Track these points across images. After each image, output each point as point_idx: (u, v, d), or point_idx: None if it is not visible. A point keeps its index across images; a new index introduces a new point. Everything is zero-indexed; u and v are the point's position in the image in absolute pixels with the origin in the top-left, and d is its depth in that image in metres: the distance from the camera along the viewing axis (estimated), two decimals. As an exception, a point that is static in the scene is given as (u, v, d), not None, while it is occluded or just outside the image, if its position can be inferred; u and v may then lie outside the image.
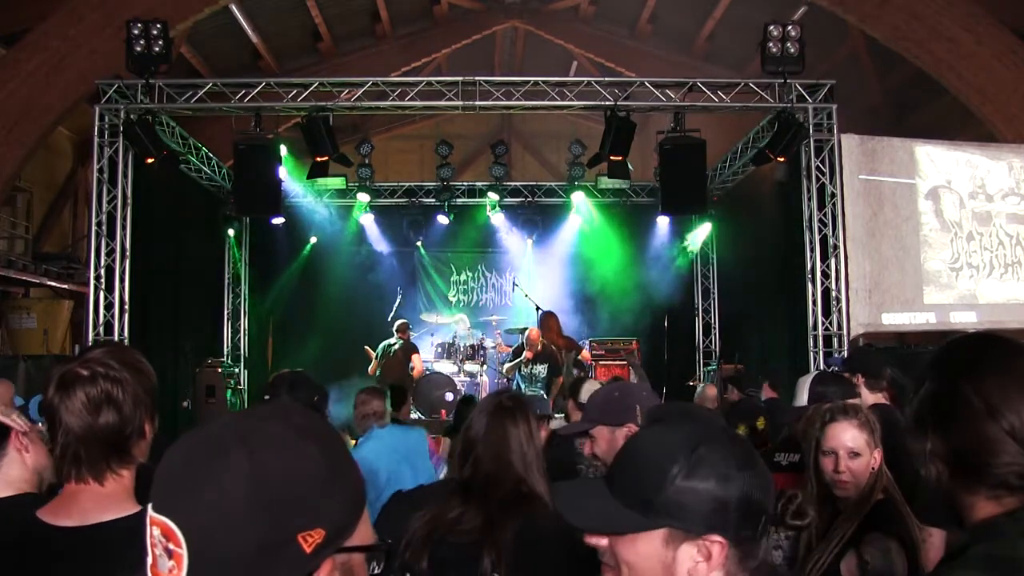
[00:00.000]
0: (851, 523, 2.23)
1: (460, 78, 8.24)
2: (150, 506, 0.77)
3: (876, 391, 3.56)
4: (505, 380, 9.17)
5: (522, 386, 8.62)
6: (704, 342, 11.79)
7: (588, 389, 4.92)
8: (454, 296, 12.31)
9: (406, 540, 1.91)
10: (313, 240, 11.45)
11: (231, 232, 11.23)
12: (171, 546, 0.74)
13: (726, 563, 1.03)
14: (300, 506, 0.75)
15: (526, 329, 9.06)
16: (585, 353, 9.61)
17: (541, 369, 8.60)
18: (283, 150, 8.94)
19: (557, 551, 1.90)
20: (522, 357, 8.67)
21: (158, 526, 0.75)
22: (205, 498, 0.74)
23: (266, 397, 2.61)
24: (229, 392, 9.90)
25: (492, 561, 1.87)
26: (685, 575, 1.03)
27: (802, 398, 2.74)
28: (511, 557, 1.87)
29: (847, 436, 2.32)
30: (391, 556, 0.86)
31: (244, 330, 11.57)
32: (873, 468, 2.32)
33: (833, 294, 8.02)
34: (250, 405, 10.12)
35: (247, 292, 11.59)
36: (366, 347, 9.69)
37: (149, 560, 0.76)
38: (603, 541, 1.07)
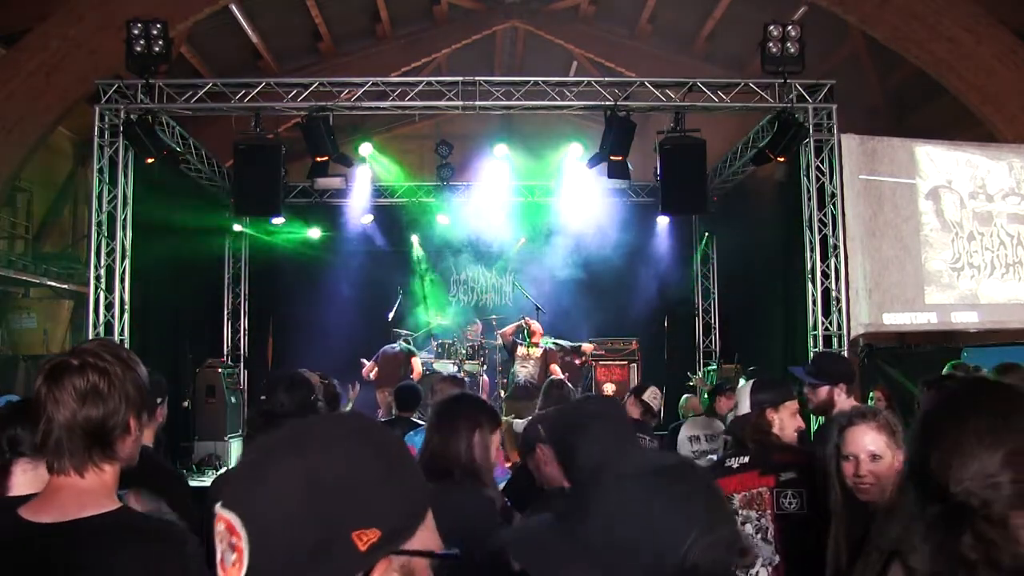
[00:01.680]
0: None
1: (460, 78, 8.24)
2: (217, 505, 0.81)
3: (851, 395, 3.62)
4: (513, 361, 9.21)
5: (516, 364, 8.76)
6: (704, 342, 11.78)
7: (652, 392, 5.02)
8: (454, 296, 12.31)
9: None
10: (316, 236, 11.44)
11: (231, 232, 11.22)
12: (233, 540, 0.78)
13: None
14: (354, 505, 0.78)
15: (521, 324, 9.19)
16: (587, 346, 9.66)
17: (536, 351, 8.77)
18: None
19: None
20: (519, 339, 8.84)
21: (223, 521, 0.80)
22: (264, 495, 0.78)
23: (262, 397, 2.61)
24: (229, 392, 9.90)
25: None
26: None
27: (744, 405, 2.81)
28: None
29: (867, 439, 2.31)
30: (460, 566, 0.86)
31: (244, 330, 11.57)
32: (897, 469, 2.31)
33: (833, 294, 8.02)
34: (250, 405, 10.13)
35: (247, 292, 11.58)
36: (362, 360, 9.60)
37: (217, 556, 0.80)
38: None
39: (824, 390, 3.47)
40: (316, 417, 0.89)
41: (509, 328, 9.22)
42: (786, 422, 2.78)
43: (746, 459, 2.67)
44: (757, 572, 2.44)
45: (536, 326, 9.07)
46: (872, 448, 2.31)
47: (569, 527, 0.93)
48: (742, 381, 3.22)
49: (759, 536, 2.50)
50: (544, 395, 4.49)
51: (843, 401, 3.56)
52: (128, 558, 1.37)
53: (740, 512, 2.59)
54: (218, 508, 0.81)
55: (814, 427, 5.05)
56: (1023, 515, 1.06)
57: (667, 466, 0.99)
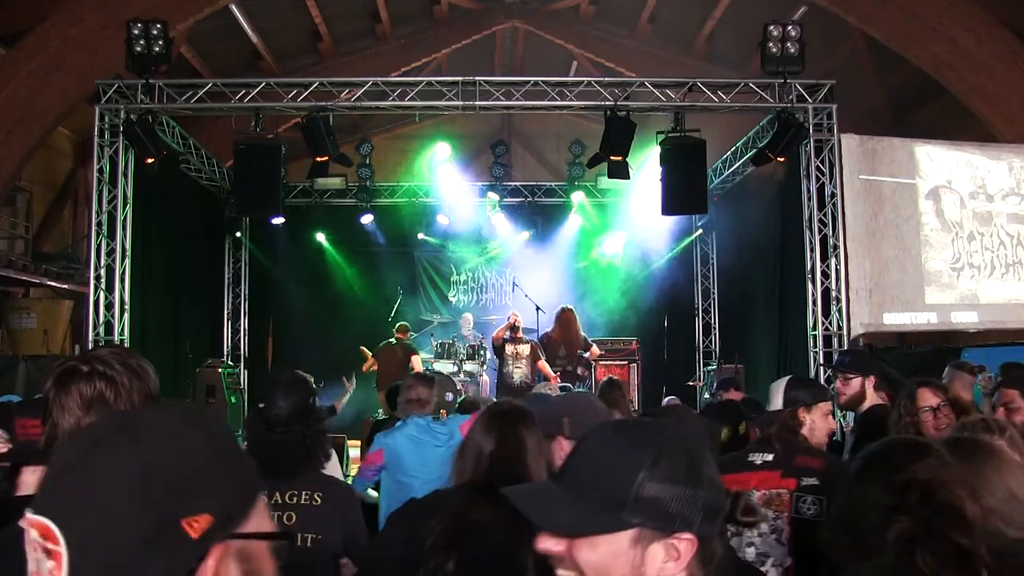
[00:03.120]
0: None
1: (460, 78, 8.24)
2: (27, 511, 0.75)
3: (879, 390, 3.71)
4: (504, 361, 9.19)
5: (510, 366, 8.75)
6: (704, 342, 11.79)
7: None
8: (454, 296, 12.31)
9: (431, 542, 1.90)
10: (320, 238, 11.46)
11: (231, 232, 11.23)
12: (49, 545, 0.72)
13: (691, 564, 1.02)
14: (184, 492, 0.74)
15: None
16: (594, 350, 9.64)
17: (524, 348, 8.72)
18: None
19: None
20: (507, 335, 8.83)
21: (36, 527, 0.73)
22: (82, 490, 0.73)
23: (260, 405, 2.58)
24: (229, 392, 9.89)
25: (531, 560, 1.87)
26: (654, 575, 1.01)
27: (776, 402, 2.78)
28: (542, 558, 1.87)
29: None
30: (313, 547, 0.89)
31: (244, 330, 11.57)
32: None
33: (833, 294, 8.02)
34: (250, 405, 10.12)
35: (247, 292, 11.59)
36: (362, 347, 9.67)
37: (31, 567, 0.74)
38: (559, 547, 1.04)
39: (857, 382, 3.60)
40: (147, 408, 0.85)
41: (498, 330, 9.19)
42: (818, 423, 2.76)
43: (770, 457, 2.62)
44: (768, 572, 2.42)
45: (519, 321, 9.08)
46: None
47: (558, 476, 1.12)
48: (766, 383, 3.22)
49: (773, 536, 2.47)
50: (601, 394, 4.54)
51: (873, 395, 3.59)
52: None
53: (759, 510, 2.55)
54: (29, 514, 0.74)
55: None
56: None
57: (629, 423, 1.21)
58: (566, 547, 1.03)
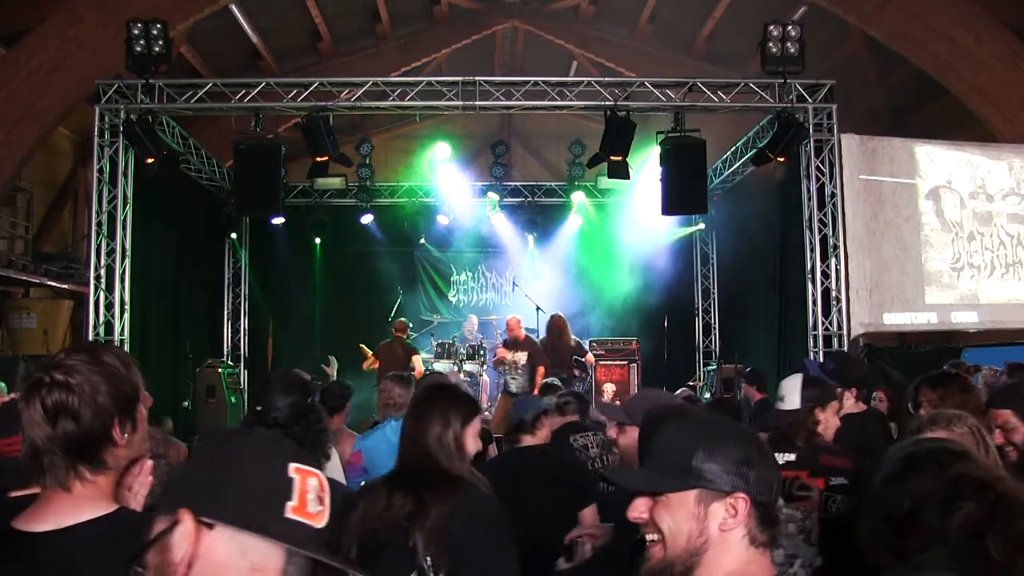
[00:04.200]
0: None
1: (460, 78, 8.24)
2: (308, 467, 1.01)
3: (859, 399, 3.69)
4: (501, 374, 9.17)
5: (507, 375, 8.70)
6: (704, 342, 11.79)
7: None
8: (454, 296, 12.31)
9: (346, 535, 2.05)
10: (320, 238, 11.46)
11: (231, 232, 11.22)
12: (322, 495, 1.00)
13: (749, 522, 1.25)
14: None
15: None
16: (589, 357, 9.61)
17: (521, 356, 8.66)
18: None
19: (487, 530, 2.08)
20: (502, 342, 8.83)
21: (315, 478, 1.01)
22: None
23: (258, 408, 2.56)
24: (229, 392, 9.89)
25: (423, 543, 2.01)
26: (716, 529, 1.24)
27: (793, 400, 2.75)
28: (441, 537, 2.02)
29: None
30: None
31: (244, 330, 11.57)
32: None
33: (833, 294, 8.02)
34: (250, 405, 10.11)
35: (247, 292, 11.59)
36: (361, 345, 9.68)
37: (294, 503, 0.97)
38: (645, 514, 1.29)
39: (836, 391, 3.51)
40: None
41: (500, 350, 9.11)
42: (829, 421, 2.77)
43: (792, 457, 2.60)
44: (796, 572, 2.40)
45: (513, 320, 9.05)
46: None
47: (641, 460, 1.44)
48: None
49: (801, 537, 2.44)
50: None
51: (850, 405, 3.56)
52: (127, 555, 1.36)
53: (784, 510, 2.50)
54: (308, 468, 1.00)
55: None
56: None
57: (687, 414, 1.48)
58: (649, 513, 1.29)
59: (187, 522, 0.95)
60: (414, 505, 2.09)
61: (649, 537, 1.29)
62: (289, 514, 0.97)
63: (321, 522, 0.99)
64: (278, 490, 0.98)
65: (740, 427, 1.35)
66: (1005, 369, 5.48)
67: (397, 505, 2.11)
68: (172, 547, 0.96)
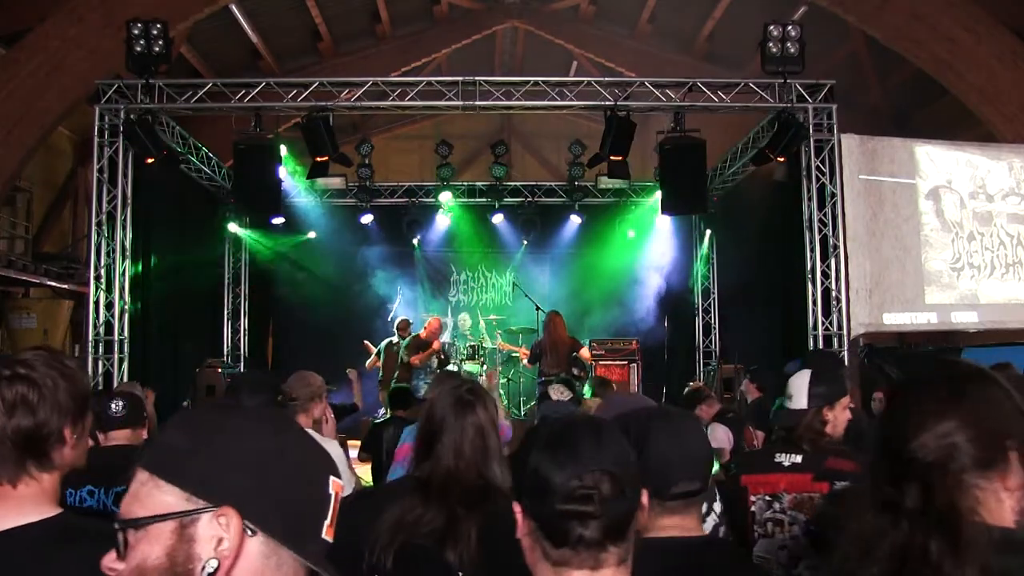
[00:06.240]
0: None
1: (460, 78, 8.24)
2: (336, 480, 0.99)
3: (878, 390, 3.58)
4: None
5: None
6: (704, 342, 11.78)
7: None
8: (454, 296, 12.31)
9: (372, 542, 1.93)
10: (311, 235, 11.41)
11: (231, 232, 11.22)
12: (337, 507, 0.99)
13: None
14: None
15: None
16: (584, 352, 9.59)
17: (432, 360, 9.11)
18: (283, 150, 8.94)
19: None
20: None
21: (340, 491, 1.00)
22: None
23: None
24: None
25: (458, 559, 1.90)
26: None
27: (800, 400, 2.68)
28: (475, 553, 1.90)
29: None
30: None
31: (244, 330, 11.57)
32: None
33: (833, 294, 8.02)
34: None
35: (247, 292, 11.58)
36: (365, 341, 9.69)
37: (328, 521, 0.96)
38: None
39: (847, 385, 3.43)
40: None
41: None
42: (839, 418, 2.66)
43: (798, 459, 2.54)
44: (800, 574, 2.38)
45: (433, 324, 9.28)
46: None
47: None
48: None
49: (807, 540, 2.43)
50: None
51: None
52: (72, 561, 1.32)
53: (788, 512, 2.49)
54: (340, 482, 1.00)
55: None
56: (980, 475, 1.12)
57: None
58: None
59: (235, 522, 0.89)
60: (447, 519, 1.99)
61: None
62: (324, 534, 0.94)
63: (331, 536, 0.96)
64: (319, 506, 0.95)
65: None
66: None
67: (428, 518, 2.00)
68: (196, 538, 0.89)
